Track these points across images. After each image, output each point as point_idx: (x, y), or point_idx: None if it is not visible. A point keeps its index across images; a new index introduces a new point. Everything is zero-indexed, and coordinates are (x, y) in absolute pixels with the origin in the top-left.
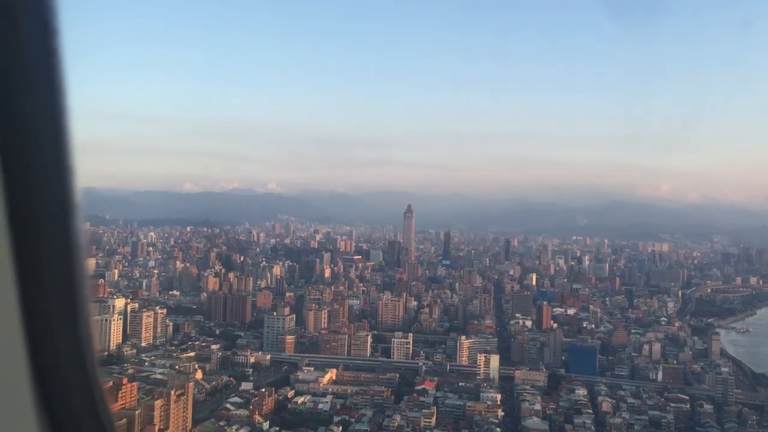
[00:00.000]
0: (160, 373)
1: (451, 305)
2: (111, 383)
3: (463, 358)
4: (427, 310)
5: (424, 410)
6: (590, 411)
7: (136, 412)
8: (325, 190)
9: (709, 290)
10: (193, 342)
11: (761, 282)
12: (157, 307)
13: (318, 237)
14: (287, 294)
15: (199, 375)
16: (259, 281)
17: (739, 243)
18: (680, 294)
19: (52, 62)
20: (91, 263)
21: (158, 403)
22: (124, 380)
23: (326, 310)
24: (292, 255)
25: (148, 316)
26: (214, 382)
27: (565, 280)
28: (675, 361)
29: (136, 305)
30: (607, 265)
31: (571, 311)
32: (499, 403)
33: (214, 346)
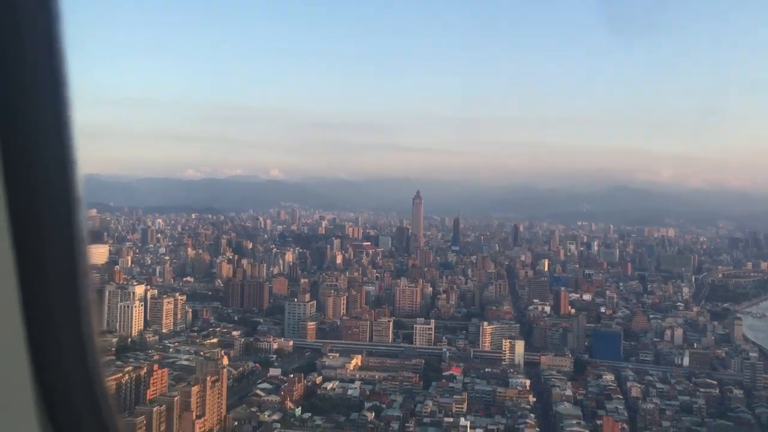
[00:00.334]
0: (186, 359)
1: (467, 291)
2: (144, 369)
3: (486, 344)
4: (444, 296)
5: (455, 396)
6: (620, 396)
7: (175, 398)
8: (328, 177)
9: (720, 275)
10: (213, 328)
11: None
12: (177, 294)
13: (324, 223)
14: (302, 280)
15: (225, 361)
16: (271, 268)
17: (743, 228)
18: (693, 279)
19: (54, 52)
20: (104, 250)
21: (195, 389)
22: (155, 366)
23: (344, 296)
24: (301, 241)
25: (168, 302)
26: (240, 368)
27: (577, 265)
28: (699, 346)
29: (156, 292)
30: (618, 250)
31: (586, 297)
32: (528, 388)
33: (235, 333)
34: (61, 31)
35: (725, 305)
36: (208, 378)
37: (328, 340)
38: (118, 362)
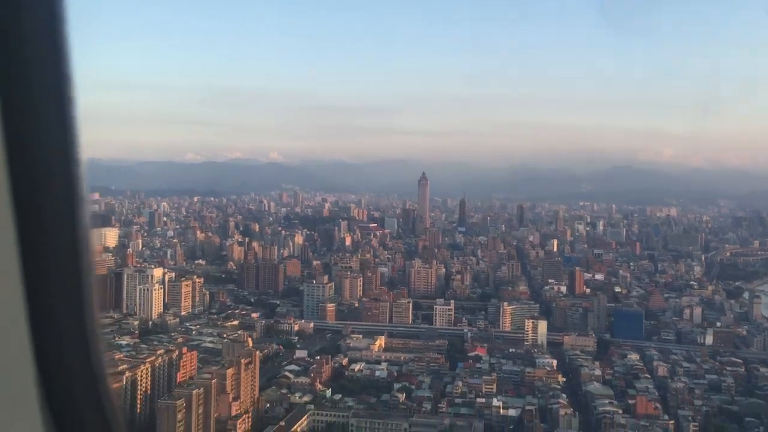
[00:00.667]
0: (210, 342)
1: (480, 272)
2: (176, 352)
3: (506, 324)
4: (458, 276)
5: (485, 376)
6: (647, 376)
7: (212, 381)
8: (327, 159)
9: (728, 254)
10: (232, 311)
11: None
12: (195, 276)
13: (326, 206)
14: (314, 262)
15: (249, 343)
16: (282, 250)
17: (744, 207)
18: (703, 258)
19: (58, 46)
20: (113, 234)
21: (230, 371)
22: (184, 349)
23: (360, 278)
24: (308, 223)
25: (186, 285)
26: (265, 350)
27: (585, 245)
28: (722, 325)
29: (173, 275)
30: (624, 230)
31: (598, 276)
32: (555, 368)
33: (254, 315)
34: (65, 24)
35: (737, 284)
36: (242, 360)
37: (348, 322)
38: (143, 345)
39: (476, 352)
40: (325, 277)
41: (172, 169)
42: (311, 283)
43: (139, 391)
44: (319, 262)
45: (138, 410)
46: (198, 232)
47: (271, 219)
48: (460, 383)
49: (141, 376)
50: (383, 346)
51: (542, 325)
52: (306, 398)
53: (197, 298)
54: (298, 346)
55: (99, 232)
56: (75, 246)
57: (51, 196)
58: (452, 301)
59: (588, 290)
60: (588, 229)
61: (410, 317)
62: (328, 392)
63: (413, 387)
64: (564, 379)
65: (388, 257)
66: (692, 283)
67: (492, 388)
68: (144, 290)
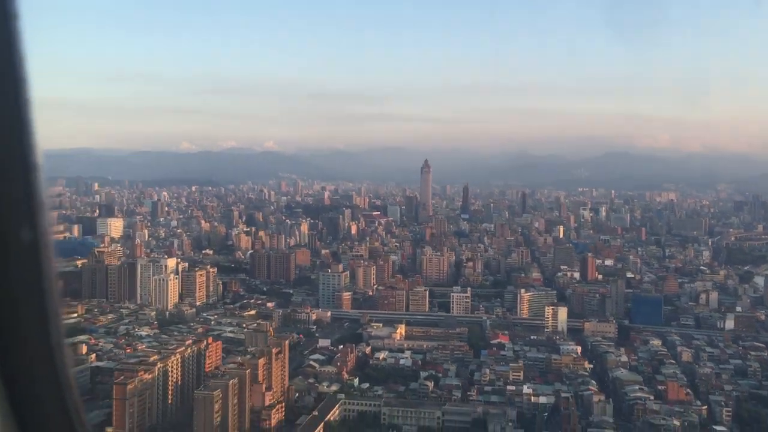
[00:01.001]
0: (230, 332)
1: (492, 259)
2: (203, 343)
3: (524, 311)
4: (470, 264)
5: (511, 364)
6: (672, 361)
7: (246, 371)
8: (324, 147)
9: (733, 238)
10: (247, 300)
11: None
12: (209, 266)
13: (326, 194)
14: (323, 251)
15: (271, 333)
16: (288, 239)
17: (743, 191)
18: (710, 243)
19: (11, 51)
20: (119, 224)
21: (261, 361)
22: (209, 339)
23: (373, 266)
24: (310, 212)
25: (200, 275)
26: (287, 340)
27: (591, 231)
28: (741, 309)
29: (186, 265)
30: (628, 215)
31: (608, 262)
32: (580, 355)
33: (269, 304)
34: (17, 27)
35: (746, 268)
36: (273, 350)
37: (365, 310)
38: (164, 336)
39: (499, 340)
40: (340, 266)
41: (167, 159)
42: (326, 272)
43: (170, 382)
44: (327, 251)
45: (170, 401)
46: (202, 221)
47: (272, 208)
48: (487, 371)
49: (172, 366)
50: (404, 334)
51: (562, 312)
52: (334, 387)
53: (211, 288)
54: (317, 335)
55: (104, 222)
56: (37, 253)
57: (5, 194)
58: (469, 289)
59: (600, 276)
60: (591, 215)
61: (427, 305)
62: (356, 381)
63: (440, 375)
64: (591, 366)
65: (396, 245)
66: (702, 267)
67: (519, 376)
68: (159, 280)
